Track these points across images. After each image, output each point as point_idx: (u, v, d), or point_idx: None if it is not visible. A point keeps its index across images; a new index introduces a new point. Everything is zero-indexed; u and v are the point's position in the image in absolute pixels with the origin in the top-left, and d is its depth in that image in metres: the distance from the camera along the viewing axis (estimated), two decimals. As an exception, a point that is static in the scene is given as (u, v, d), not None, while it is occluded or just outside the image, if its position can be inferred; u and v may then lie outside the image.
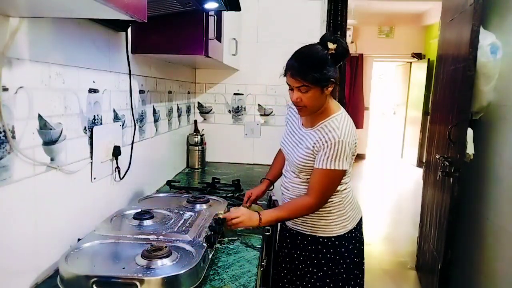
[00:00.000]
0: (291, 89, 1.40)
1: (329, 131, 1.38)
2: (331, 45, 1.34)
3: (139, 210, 1.38)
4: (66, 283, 0.97)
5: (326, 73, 1.33)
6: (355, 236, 1.54)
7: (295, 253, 1.57)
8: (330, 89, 1.38)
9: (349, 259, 1.51)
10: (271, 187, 1.79)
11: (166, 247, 1.06)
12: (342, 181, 1.46)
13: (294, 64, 1.36)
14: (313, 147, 1.41)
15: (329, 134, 1.38)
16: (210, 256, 1.17)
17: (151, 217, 1.33)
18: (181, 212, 1.42)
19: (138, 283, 0.93)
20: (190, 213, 1.41)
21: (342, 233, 1.50)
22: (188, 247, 1.13)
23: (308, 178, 1.46)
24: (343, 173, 1.40)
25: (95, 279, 0.93)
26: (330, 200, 1.46)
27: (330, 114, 1.43)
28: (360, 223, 1.58)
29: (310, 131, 1.46)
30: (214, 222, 1.33)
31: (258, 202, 1.73)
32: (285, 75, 1.40)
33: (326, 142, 1.37)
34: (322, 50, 1.36)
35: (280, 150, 1.75)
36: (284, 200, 1.59)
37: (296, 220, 1.54)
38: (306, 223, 1.52)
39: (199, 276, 1.04)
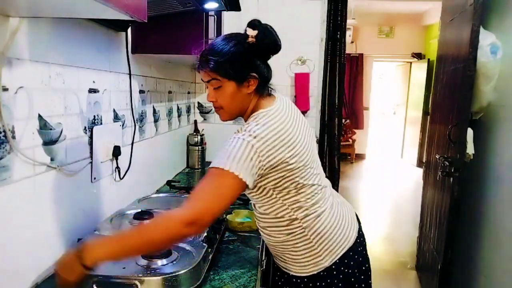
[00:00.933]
0: (206, 87, 1.15)
1: (239, 130, 1.07)
2: (250, 31, 1.07)
3: (139, 210, 1.38)
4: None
5: (239, 62, 1.07)
6: (337, 274, 1.18)
7: None
8: (251, 86, 1.10)
9: None
10: None
11: (166, 247, 1.06)
12: (299, 204, 1.11)
13: (202, 53, 1.11)
14: None
15: (236, 133, 1.07)
16: (210, 256, 1.17)
17: (151, 217, 1.33)
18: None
19: (138, 283, 0.94)
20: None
21: (315, 272, 1.17)
22: (188, 247, 1.13)
23: (266, 209, 1.15)
24: (236, 181, 0.98)
25: (95, 279, 0.94)
26: (291, 231, 1.14)
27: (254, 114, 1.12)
28: (349, 255, 1.20)
29: None
30: (215, 222, 1.33)
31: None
32: (198, 69, 1.13)
33: (229, 140, 1.05)
34: (238, 37, 1.10)
35: None
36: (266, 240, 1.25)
37: (272, 252, 1.26)
38: (280, 258, 1.24)
39: (199, 276, 1.04)
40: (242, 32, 1.10)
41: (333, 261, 1.18)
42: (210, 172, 1.00)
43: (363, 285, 1.25)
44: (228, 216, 1.54)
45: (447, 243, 2.14)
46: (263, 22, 1.09)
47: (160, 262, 1.02)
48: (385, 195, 5.42)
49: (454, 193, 2.08)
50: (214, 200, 0.98)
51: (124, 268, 1.00)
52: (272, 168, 1.04)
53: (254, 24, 1.08)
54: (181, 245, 1.14)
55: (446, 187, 2.23)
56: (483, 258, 2.11)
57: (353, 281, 1.21)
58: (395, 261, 3.31)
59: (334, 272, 1.18)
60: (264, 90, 1.15)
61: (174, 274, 0.97)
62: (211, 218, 0.98)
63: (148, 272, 0.99)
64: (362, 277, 1.25)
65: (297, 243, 1.16)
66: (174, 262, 1.04)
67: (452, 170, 2.09)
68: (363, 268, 1.25)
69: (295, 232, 1.15)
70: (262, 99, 1.15)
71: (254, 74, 1.09)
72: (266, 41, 1.09)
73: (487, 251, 2.06)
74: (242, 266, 1.20)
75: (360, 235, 1.28)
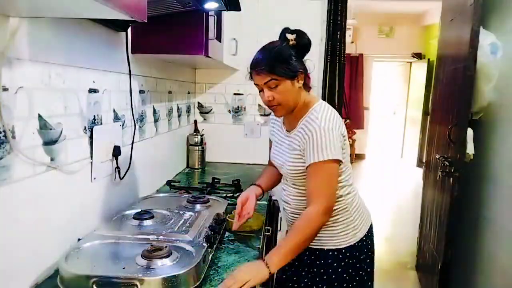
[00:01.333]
0: (260, 90, 1.31)
1: (309, 123, 1.27)
2: (289, 36, 1.29)
3: (139, 210, 1.38)
4: (66, 283, 0.97)
5: (291, 63, 1.27)
6: (366, 244, 1.41)
7: (303, 271, 1.42)
8: (301, 81, 1.30)
9: (362, 270, 1.39)
10: (261, 196, 1.53)
11: (166, 247, 1.06)
12: (343, 183, 1.34)
13: (257, 60, 1.29)
14: (299, 146, 1.30)
15: (309, 126, 1.27)
16: (210, 256, 1.17)
17: (151, 217, 1.33)
18: (181, 212, 1.42)
19: (138, 283, 0.94)
20: (190, 213, 1.41)
21: (352, 243, 1.37)
22: (188, 247, 1.13)
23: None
24: (337, 163, 1.25)
25: (95, 279, 0.94)
26: (335, 207, 1.32)
27: (309, 108, 1.33)
28: (370, 230, 1.45)
29: (294, 132, 1.35)
30: (215, 222, 1.33)
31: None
32: (250, 76, 1.31)
33: (307, 134, 1.26)
34: (282, 42, 1.31)
35: (268, 164, 1.62)
36: (287, 216, 1.46)
37: None
38: None
39: (199, 276, 1.04)
40: (278, 39, 1.33)
41: (364, 232, 1.41)
42: (315, 168, 1.24)
43: (373, 256, 1.47)
44: (228, 216, 1.52)
45: (447, 243, 2.14)
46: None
47: (160, 262, 1.02)
48: (385, 195, 5.42)
49: (454, 193, 2.08)
50: (331, 187, 1.27)
51: (124, 268, 1.00)
52: (343, 147, 1.29)
53: (288, 29, 1.31)
54: (181, 245, 1.14)
55: (446, 187, 2.23)
56: (483, 258, 2.11)
57: (372, 252, 1.45)
58: (395, 261, 3.31)
59: (364, 243, 1.40)
60: (307, 85, 1.36)
61: (174, 274, 0.97)
62: (335, 199, 1.30)
63: (148, 272, 0.99)
64: (374, 249, 1.48)
65: (338, 218, 1.36)
66: (175, 262, 1.04)
67: (452, 170, 2.09)
68: (373, 243, 1.49)
69: (339, 208, 1.35)
70: (307, 94, 1.36)
71: (302, 70, 1.30)
72: (304, 41, 1.30)
73: (487, 251, 2.06)
74: (242, 266, 1.19)
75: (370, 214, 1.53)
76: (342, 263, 1.36)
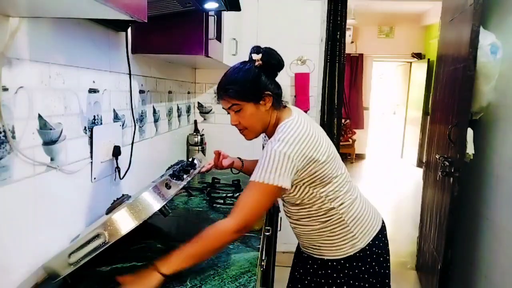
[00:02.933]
0: (228, 113, 1.29)
1: (270, 142, 1.19)
2: (255, 56, 1.25)
3: (139, 210, 1.38)
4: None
5: (253, 85, 1.22)
6: (371, 253, 1.33)
7: (306, 279, 1.41)
8: (267, 103, 1.24)
9: (364, 281, 1.33)
10: (237, 171, 1.71)
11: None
12: (332, 196, 1.26)
13: (220, 84, 1.27)
14: None
15: (267, 145, 1.18)
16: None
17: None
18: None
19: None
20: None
21: (352, 253, 1.31)
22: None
23: (301, 204, 1.29)
24: (275, 190, 1.14)
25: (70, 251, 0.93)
26: (328, 218, 1.28)
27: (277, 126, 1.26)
28: (379, 237, 1.36)
29: None
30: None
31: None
32: (217, 100, 1.29)
33: (263, 153, 1.18)
34: (246, 64, 1.27)
35: None
36: (299, 235, 1.41)
37: (304, 242, 1.39)
38: (313, 245, 1.36)
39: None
40: (247, 59, 1.28)
41: (367, 242, 1.33)
42: (252, 185, 1.16)
43: (386, 265, 1.38)
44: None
45: (447, 243, 2.14)
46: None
47: (160, 262, 1.02)
48: (385, 195, 5.42)
49: (454, 193, 2.07)
50: (256, 209, 1.16)
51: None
52: (306, 168, 1.19)
53: (257, 49, 1.26)
54: (181, 245, 1.14)
55: (446, 187, 2.23)
56: (483, 258, 2.11)
57: (382, 260, 1.36)
58: (395, 261, 3.31)
59: (368, 252, 1.32)
60: (279, 104, 1.29)
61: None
62: (254, 223, 1.20)
63: (148, 272, 0.99)
64: (388, 257, 1.39)
65: (334, 228, 1.30)
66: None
67: (452, 170, 2.09)
68: (389, 251, 1.40)
69: (332, 219, 1.29)
70: (279, 112, 1.29)
71: (268, 92, 1.24)
72: (272, 61, 1.26)
73: (487, 251, 2.06)
74: (242, 266, 1.20)
75: (383, 220, 1.44)
76: (341, 274, 1.32)
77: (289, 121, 1.22)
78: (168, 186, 1.17)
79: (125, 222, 0.98)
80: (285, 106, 1.32)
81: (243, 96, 1.22)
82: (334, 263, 1.33)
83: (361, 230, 1.32)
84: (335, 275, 1.33)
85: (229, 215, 1.14)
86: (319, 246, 1.34)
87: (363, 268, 1.32)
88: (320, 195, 1.25)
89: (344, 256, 1.31)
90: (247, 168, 1.66)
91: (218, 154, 1.65)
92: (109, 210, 1.12)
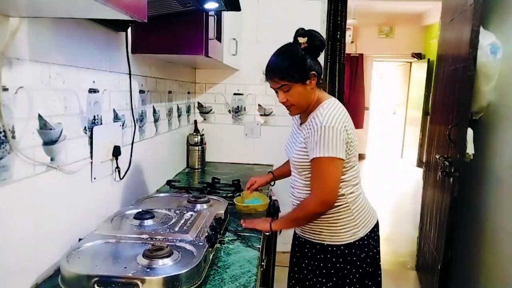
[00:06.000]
0: (276, 91, 1.41)
1: (314, 119, 1.33)
2: (301, 39, 1.34)
3: (140, 210, 1.38)
4: (67, 282, 0.97)
5: (301, 67, 1.33)
6: (368, 244, 1.44)
7: (303, 262, 1.50)
8: (313, 82, 1.36)
9: (361, 268, 1.42)
10: (273, 183, 1.83)
11: (167, 246, 1.06)
12: (346, 182, 1.38)
13: (269, 66, 1.38)
14: (305, 139, 1.36)
15: (313, 123, 1.33)
16: (210, 256, 1.17)
17: (152, 217, 1.33)
18: (182, 212, 1.42)
19: (139, 283, 0.94)
20: (190, 213, 1.41)
21: (352, 241, 1.41)
22: (189, 247, 1.13)
23: (309, 184, 1.41)
24: (338, 161, 1.30)
25: (96, 278, 0.94)
26: (336, 205, 1.37)
27: (319, 104, 1.39)
28: (374, 230, 1.48)
29: (303, 126, 1.42)
30: (215, 221, 1.33)
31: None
32: (266, 80, 1.41)
33: (310, 130, 1.33)
34: (293, 46, 1.36)
35: None
36: (292, 202, 1.54)
37: (304, 227, 1.47)
38: (314, 230, 1.44)
39: (200, 276, 1.04)
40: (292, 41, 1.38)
41: (366, 233, 1.44)
42: (318, 161, 1.31)
43: (378, 257, 1.51)
44: (235, 199, 1.64)
45: (447, 243, 2.14)
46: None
47: (161, 262, 1.02)
48: (385, 195, 5.42)
49: (454, 193, 2.07)
50: (329, 182, 1.31)
51: (125, 267, 1.00)
52: (349, 144, 1.33)
53: (301, 32, 1.35)
54: (182, 245, 1.14)
55: (446, 187, 2.23)
56: (483, 258, 2.11)
57: (375, 252, 1.48)
58: (395, 261, 3.31)
59: (366, 242, 1.43)
60: (320, 83, 1.41)
61: (175, 274, 0.97)
62: (334, 194, 1.33)
63: (150, 271, 0.99)
64: (379, 250, 1.51)
65: (339, 215, 1.40)
66: (175, 262, 1.03)
67: (452, 170, 2.09)
68: (379, 244, 1.52)
69: (340, 206, 1.39)
70: (320, 92, 1.42)
71: (313, 72, 1.35)
72: (316, 42, 1.35)
73: (487, 251, 2.06)
74: (242, 266, 1.20)
75: (377, 216, 1.56)
76: (341, 259, 1.41)
77: (331, 101, 1.38)
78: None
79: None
80: (321, 87, 1.44)
81: (292, 78, 1.33)
82: (334, 249, 1.41)
83: (363, 220, 1.43)
84: (334, 259, 1.41)
85: (310, 194, 1.36)
86: (320, 231, 1.43)
87: (362, 256, 1.42)
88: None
89: (344, 243, 1.41)
90: (280, 174, 1.80)
91: (251, 183, 1.76)
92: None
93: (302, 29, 1.37)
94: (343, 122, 1.31)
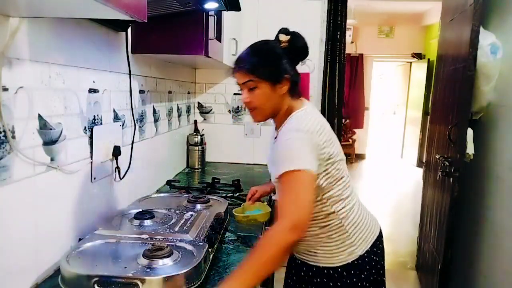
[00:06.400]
0: (240, 89, 1.23)
1: (282, 132, 1.16)
2: (282, 37, 1.19)
3: (140, 210, 1.38)
4: (67, 282, 0.97)
5: (275, 65, 1.17)
6: (369, 261, 1.25)
7: (300, 287, 1.32)
8: (284, 88, 1.19)
9: None
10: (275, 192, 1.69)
11: (167, 247, 1.06)
12: (334, 199, 1.21)
13: (241, 57, 1.21)
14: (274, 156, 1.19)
15: (280, 136, 1.15)
16: (211, 256, 1.17)
17: (152, 217, 1.33)
18: (182, 212, 1.42)
19: (139, 283, 0.94)
20: (190, 213, 1.41)
21: (349, 261, 1.23)
22: (189, 247, 1.13)
23: None
24: (306, 174, 1.07)
25: (96, 278, 0.94)
26: (327, 223, 1.22)
27: (289, 115, 1.21)
28: (377, 244, 1.30)
29: (274, 141, 1.25)
30: (215, 222, 1.33)
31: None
32: (233, 72, 1.22)
33: (277, 144, 1.16)
34: (272, 42, 1.22)
35: None
36: None
37: (299, 247, 1.28)
38: (309, 251, 1.27)
39: (200, 276, 1.03)
40: (273, 38, 1.22)
41: (366, 249, 1.25)
42: (285, 178, 1.08)
43: (382, 272, 1.31)
44: (234, 210, 1.58)
45: (447, 243, 2.14)
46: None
47: (161, 262, 1.02)
48: (385, 195, 5.42)
49: (454, 193, 2.07)
50: (300, 200, 1.06)
51: (125, 267, 1.00)
52: (323, 162, 1.14)
53: (285, 30, 1.21)
54: (182, 245, 1.14)
55: (446, 187, 2.23)
56: (483, 258, 2.11)
57: (379, 268, 1.29)
58: (395, 261, 3.31)
59: (366, 259, 1.25)
60: (294, 93, 1.23)
61: (175, 274, 0.97)
62: (307, 216, 1.07)
63: (150, 271, 0.99)
64: (384, 264, 1.32)
65: (332, 234, 1.23)
66: (176, 262, 1.03)
67: (452, 170, 2.08)
68: (384, 257, 1.34)
69: (331, 224, 1.22)
70: (292, 101, 1.23)
71: (287, 76, 1.18)
72: (298, 44, 1.21)
73: (487, 251, 2.06)
74: (242, 266, 1.19)
75: (380, 227, 1.37)
76: (339, 283, 1.23)
77: (303, 112, 1.19)
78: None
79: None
80: (299, 98, 1.26)
81: (261, 73, 1.16)
82: (331, 271, 1.24)
83: (360, 236, 1.25)
84: (331, 284, 1.24)
85: (277, 220, 1.05)
86: (315, 252, 1.26)
87: (361, 276, 1.24)
88: (322, 196, 1.19)
89: (341, 264, 1.23)
90: None
91: (252, 194, 1.65)
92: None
93: (286, 28, 1.22)
94: (311, 130, 1.12)
